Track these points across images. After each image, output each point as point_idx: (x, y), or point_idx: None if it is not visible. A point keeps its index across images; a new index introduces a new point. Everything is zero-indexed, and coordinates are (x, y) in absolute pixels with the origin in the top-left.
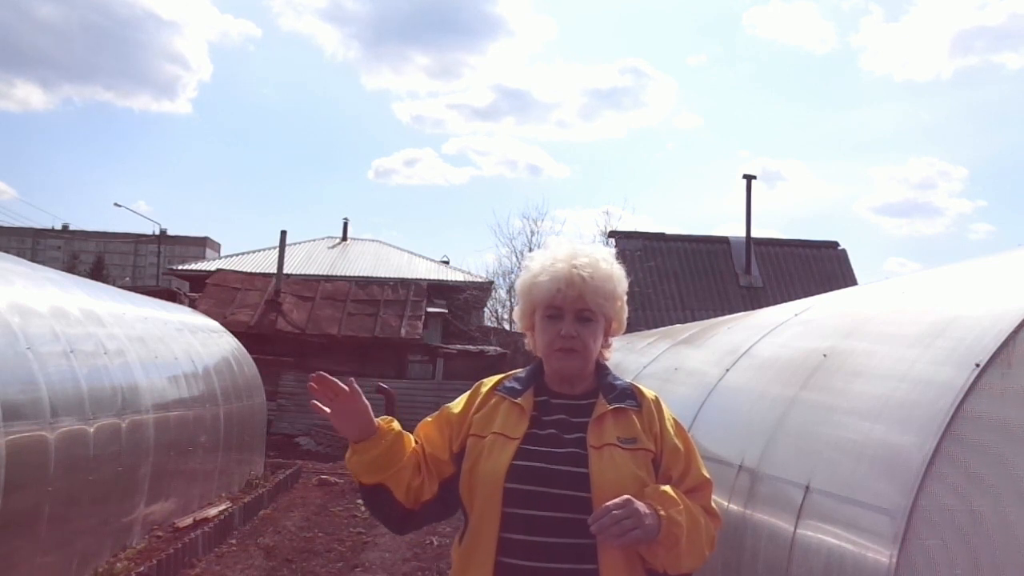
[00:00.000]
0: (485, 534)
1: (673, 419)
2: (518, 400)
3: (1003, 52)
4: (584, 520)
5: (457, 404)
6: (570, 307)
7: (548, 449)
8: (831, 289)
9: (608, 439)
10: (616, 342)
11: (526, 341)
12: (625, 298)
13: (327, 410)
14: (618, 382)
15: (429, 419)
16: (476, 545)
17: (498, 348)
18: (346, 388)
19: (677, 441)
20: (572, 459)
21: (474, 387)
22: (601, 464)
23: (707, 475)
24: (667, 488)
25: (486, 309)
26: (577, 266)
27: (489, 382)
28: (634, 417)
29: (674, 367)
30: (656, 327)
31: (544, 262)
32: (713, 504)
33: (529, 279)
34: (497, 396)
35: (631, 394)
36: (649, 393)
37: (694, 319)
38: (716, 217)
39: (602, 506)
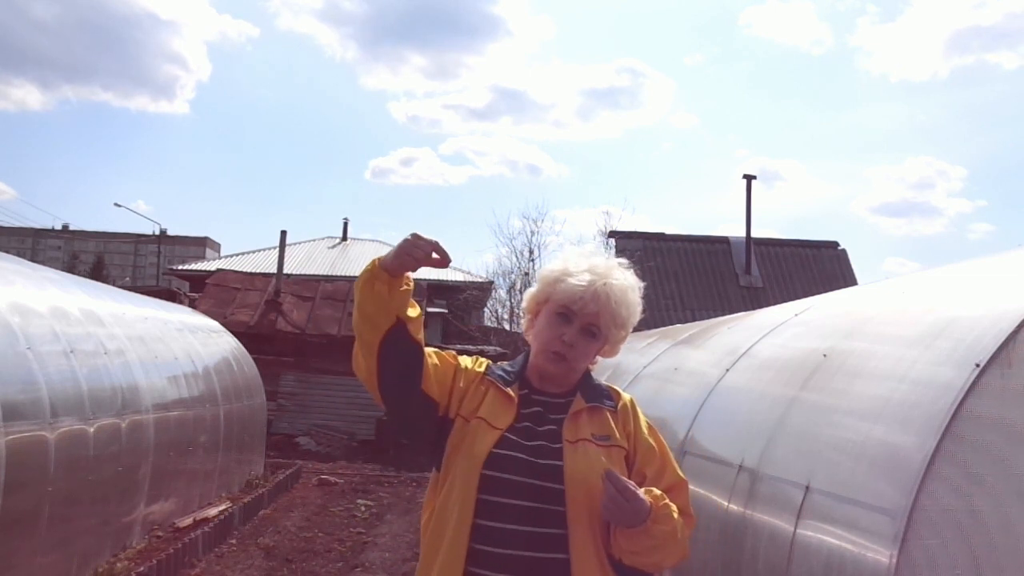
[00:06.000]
0: (459, 519)
1: (647, 422)
2: (507, 389)
3: (999, 51)
4: (555, 511)
5: (465, 369)
6: (582, 318)
7: (525, 441)
8: (831, 289)
9: (583, 435)
10: None
11: (523, 322)
12: (631, 330)
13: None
14: (597, 383)
15: (451, 352)
16: (445, 528)
17: (498, 348)
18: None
19: (651, 441)
20: (547, 452)
21: (474, 359)
22: (575, 458)
23: (682, 475)
24: (668, 502)
25: (486, 309)
26: (608, 285)
27: (484, 363)
28: (609, 416)
29: (674, 367)
30: (656, 327)
31: (580, 265)
32: (692, 505)
33: (559, 273)
34: (487, 381)
35: (608, 395)
36: (625, 396)
37: (694, 319)
38: (714, 217)
39: (627, 488)
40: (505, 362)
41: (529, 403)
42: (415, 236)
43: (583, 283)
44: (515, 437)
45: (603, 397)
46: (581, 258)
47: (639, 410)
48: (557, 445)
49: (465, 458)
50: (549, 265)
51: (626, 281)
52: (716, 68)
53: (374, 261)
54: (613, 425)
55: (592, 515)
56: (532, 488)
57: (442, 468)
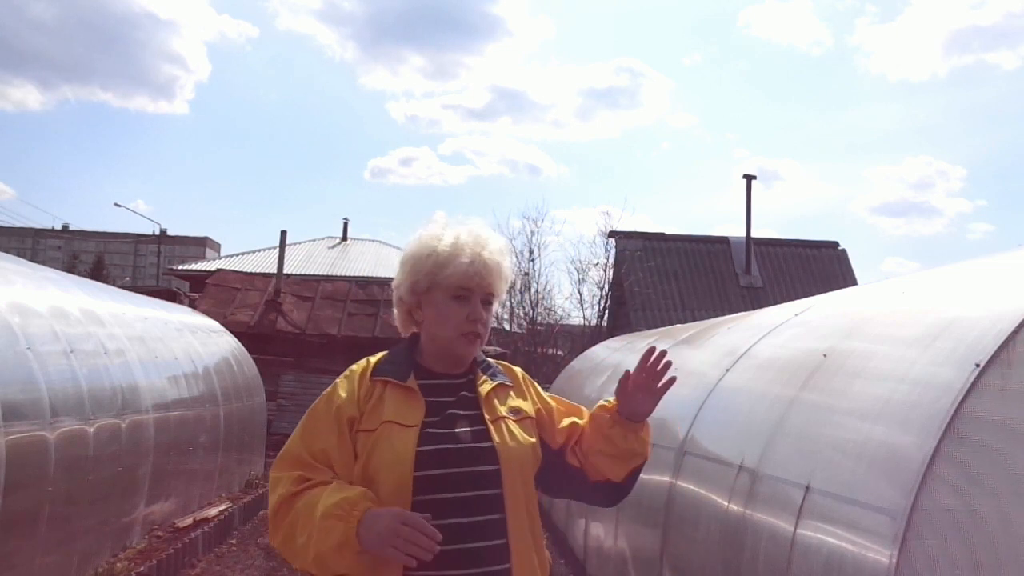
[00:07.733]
0: None
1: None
2: (407, 383)
3: (998, 51)
4: (492, 496)
5: (348, 403)
6: (479, 292)
7: (448, 430)
8: (831, 289)
9: (500, 412)
10: (616, 342)
11: (395, 312)
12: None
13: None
14: (486, 359)
15: (329, 442)
16: None
17: (497, 348)
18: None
19: (550, 400)
20: (475, 436)
21: (347, 378)
22: (502, 436)
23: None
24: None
25: None
26: (489, 252)
27: (359, 369)
28: (511, 391)
29: (674, 367)
30: (656, 327)
31: (447, 240)
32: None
33: (437, 258)
34: (379, 382)
35: (501, 371)
36: (516, 368)
37: (694, 319)
38: (713, 216)
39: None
40: (380, 356)
41: (434, 391)
42: (410, 525)
43: (468, 259)
44: (435, 430)
45: (499, 374)
46: (445, 233)
47: (529, 378)
48: (481, 427)
49: (388, 465)
50: (412, 252)
51: (500, 241)
52: (715, 68)
53: (353, 528)
54: (517, 399)
55: (526, 494)
56: (469, 476)
57: (354, 477)
